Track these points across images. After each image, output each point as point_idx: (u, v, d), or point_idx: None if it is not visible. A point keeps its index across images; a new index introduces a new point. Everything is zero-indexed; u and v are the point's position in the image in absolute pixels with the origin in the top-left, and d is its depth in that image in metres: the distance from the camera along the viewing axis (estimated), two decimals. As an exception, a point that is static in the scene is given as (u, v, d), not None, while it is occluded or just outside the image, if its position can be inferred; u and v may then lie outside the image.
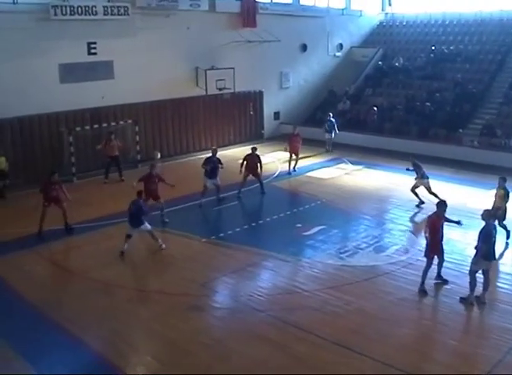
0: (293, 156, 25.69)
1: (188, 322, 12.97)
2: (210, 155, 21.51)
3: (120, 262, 16.33)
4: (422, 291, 14.16)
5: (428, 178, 21.16)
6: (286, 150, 26.11)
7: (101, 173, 24.85)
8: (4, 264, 16.05)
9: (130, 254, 16.80)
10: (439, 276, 14.57)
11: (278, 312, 13.23)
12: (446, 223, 14.31)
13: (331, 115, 30.65)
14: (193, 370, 11.05)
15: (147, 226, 17.12)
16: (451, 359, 11.28)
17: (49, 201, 18.47)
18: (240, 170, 22.02)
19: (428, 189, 21.03)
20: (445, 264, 14.61)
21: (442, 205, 14.19)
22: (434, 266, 14.37)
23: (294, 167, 25.88)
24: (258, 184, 22.49)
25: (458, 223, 14.66)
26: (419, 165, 21.39)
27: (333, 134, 30.11)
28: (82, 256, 17.39)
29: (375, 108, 32.63)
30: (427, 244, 14.22)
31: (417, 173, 21.28)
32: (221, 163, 21.33)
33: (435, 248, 14.12)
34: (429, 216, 14.45)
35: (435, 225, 14.00)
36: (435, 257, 14.27)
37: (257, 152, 22.48)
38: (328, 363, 11.16)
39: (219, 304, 14.03)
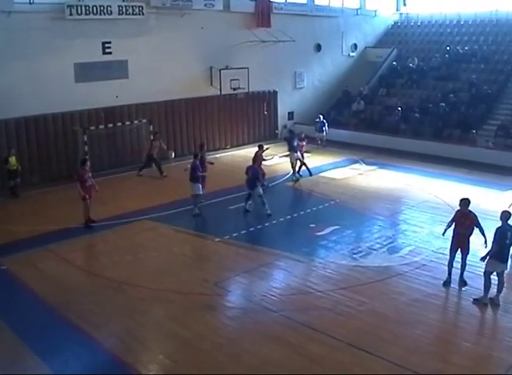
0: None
1: (201, 321, 12.97)
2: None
3: (133, 260, 16.38)
4: (446, 283, 14.31)
5: (297, 152, 24.43)
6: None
7: (115, 171, 25.08)
8: (17, 262, 16.13)
9: (144, 253, 16.85)
10: (461, 276, 14.48)
11: (291, 313, 13.22)
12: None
13: (321, 117, 31.43)
14: (205, 369, 11.06)
15: (260, 191, 19.95)
16: (465, 361, 11.21)
17: (89, 193, 18.71)
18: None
19: (300, 160, 24.57)
20: (457, 265, 14.47)
21: (462, 202, 14.23)
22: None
23: (299, 171, 25.32)
24: (271, 184, 22.54)
25: (485, 242, 14.33)
26: (292, 138, 24.55)
27: (324, 133, 30.97)
28: (96, 254, 17.50)
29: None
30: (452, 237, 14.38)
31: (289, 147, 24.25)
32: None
33: (456, 241, 14.21)
34: (456, 211, 14.48)
35: (459, 220, 14.13)
36: (459, 252, 14.29)
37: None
38: (341, 364, 11.13)
39: (232, 304, 14.03)
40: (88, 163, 19.34)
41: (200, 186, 20.18)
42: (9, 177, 22.26)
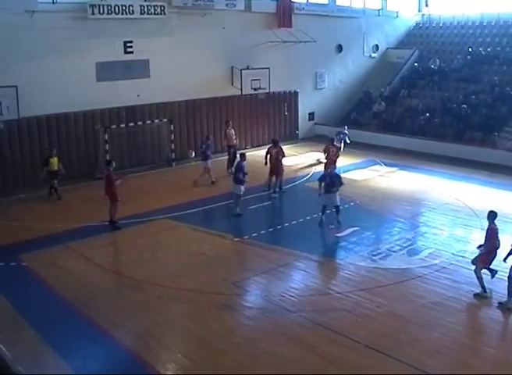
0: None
1: (219, 321, 13.00)
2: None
3: (152, 259, 16.41)
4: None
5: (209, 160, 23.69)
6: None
7: (135, 170, 25.19)
8: (37, 259, 16.26)
9: (163, 252, 16.90)
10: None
11: (309, 313, 13.20)
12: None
13: (346, 128, 29.68)
14: (223, 369, 11.08)
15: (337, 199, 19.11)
16: (484, 366, 11.11)
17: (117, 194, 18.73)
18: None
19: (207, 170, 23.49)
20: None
21: (489, 214, 14.18)
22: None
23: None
24: (292, 185, 22.50)
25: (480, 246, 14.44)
26: (207, 147, 23.62)
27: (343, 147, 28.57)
28: (115, 253, 17.58)
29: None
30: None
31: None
32: None
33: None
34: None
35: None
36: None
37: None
38: (359, 366, 11.10)
39: (251, 303, 14.03)
40: (114, 164, 19.32)
41: (243, 187, 20.07)
42: (50, 178, 22.07)
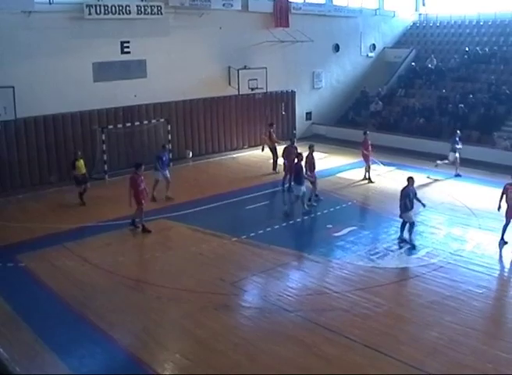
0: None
1: (217, 320, 13.00)
2: None
3: (150, 259, 16.43)
4: (502, 242, 16.49)
5: (165, 170, 21.82)
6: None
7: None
8: (35, 259, 16.25)
9: (161, 252, 16.89)
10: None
11: (307, 313, 13.21)
12: None
13: (458, 132, 26.19)
14: (221, 369, 11.07)
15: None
16: (481, 365, 11.11)
17: (142, 197, 18.35)
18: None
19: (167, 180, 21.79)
20: (475, 268, 14.83)
21: None
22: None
23: (365, 176, 24.90)
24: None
25: None
26: (161, 154, 22.00)
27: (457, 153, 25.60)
28: (113, 253, 17.52)
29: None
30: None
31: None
32: None
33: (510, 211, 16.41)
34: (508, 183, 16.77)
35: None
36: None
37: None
38: (357, 365, 11.10)
39: (249, 303, 14.03)
40: (143, 167, 18.76)
41: (303, 187, 19.85)
42: (78, 183, 21.33)
